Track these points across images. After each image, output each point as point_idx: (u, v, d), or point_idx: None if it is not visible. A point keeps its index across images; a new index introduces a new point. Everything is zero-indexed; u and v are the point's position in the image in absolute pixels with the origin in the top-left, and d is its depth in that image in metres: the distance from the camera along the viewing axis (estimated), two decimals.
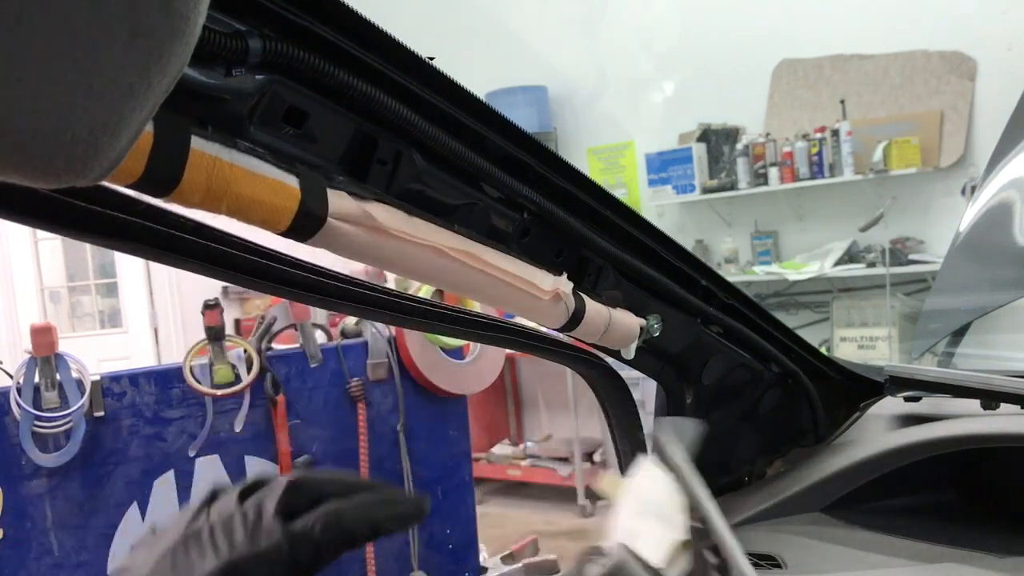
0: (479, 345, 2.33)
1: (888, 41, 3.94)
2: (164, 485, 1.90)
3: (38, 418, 1.73)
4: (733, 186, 4.29)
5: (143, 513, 1.88)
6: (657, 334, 0.80)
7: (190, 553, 0.44)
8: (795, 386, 0.93)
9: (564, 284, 0.71)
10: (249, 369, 1.96)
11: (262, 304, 4.22)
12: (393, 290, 0.70)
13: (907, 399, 0.87)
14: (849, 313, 4.12)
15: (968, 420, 0.82)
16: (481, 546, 2.44)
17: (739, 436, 0.90)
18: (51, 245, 4.88)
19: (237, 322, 2.52)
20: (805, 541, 0.78)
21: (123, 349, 4.77)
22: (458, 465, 2.33)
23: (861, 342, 4.06)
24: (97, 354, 4.25)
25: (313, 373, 2.08)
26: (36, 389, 1.74)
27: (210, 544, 0.44)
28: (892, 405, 0.89)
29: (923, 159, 3.84)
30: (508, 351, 2.90)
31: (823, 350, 0.95)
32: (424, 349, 2.20)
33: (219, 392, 1.92)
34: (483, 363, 2.38)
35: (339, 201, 0.52)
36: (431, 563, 2.26)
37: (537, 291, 0.68)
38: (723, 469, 0.89)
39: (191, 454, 1.93)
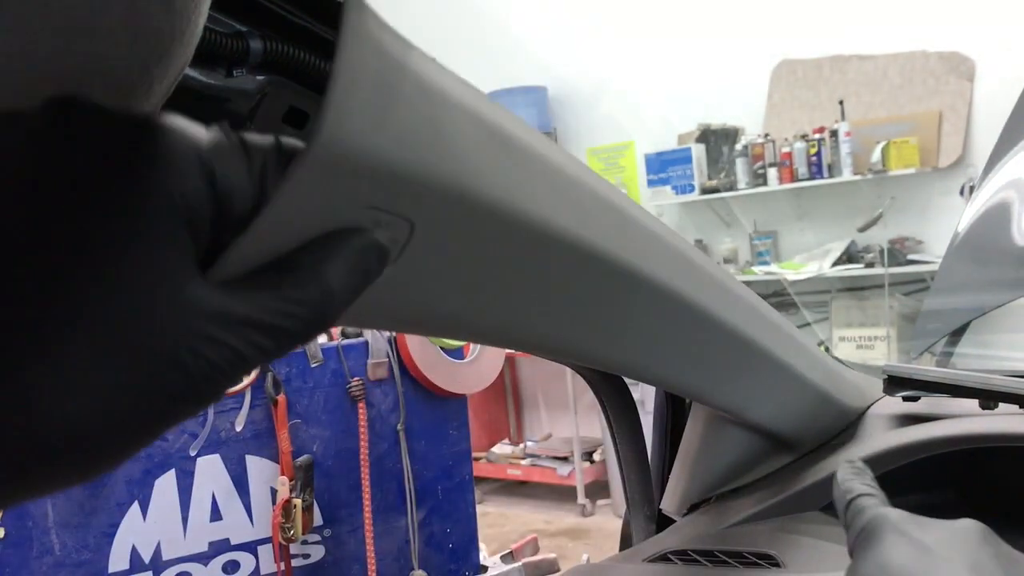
0: (479, 345, 2.33)
1: (887, 41, 3.95)
2: (165, 484, 1.91)
3: None
4: (732, 186, 4.29)
5: (144, 512, 1.88)
6: None
7: None
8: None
9: None
10: None
11: None
12: None
13: (905, 399, 0.87)
14: (848, 313, 4.13)
15: (966, 420, 0.82)
16: (481, 545, 2.45)
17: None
18: None
19: None
20: (804, 540, 0.78)
21: None
22: (458, 464, 2.33)
23: (860, 342, 4.07)
24: None
25: (314, 373, 2.08)
26: None
27: None
28: (891, 405, 0.90)
29: (922, 159, 3.84)
30: (508, 350, 2.91)
31: (822, 350, 0.95)
32: (424, 349, 2.20)
33: None
34: (483, 363, 2.39)
35: None
36: (431, 562, 2.26)
37: None
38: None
39: (192, 453, 1.93)
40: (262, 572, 2.02)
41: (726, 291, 0.63)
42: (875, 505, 0.46)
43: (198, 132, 0.25)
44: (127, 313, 0.23)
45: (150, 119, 0.25)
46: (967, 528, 0.43)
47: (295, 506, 1.97)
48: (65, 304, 0.22)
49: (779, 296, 4.28)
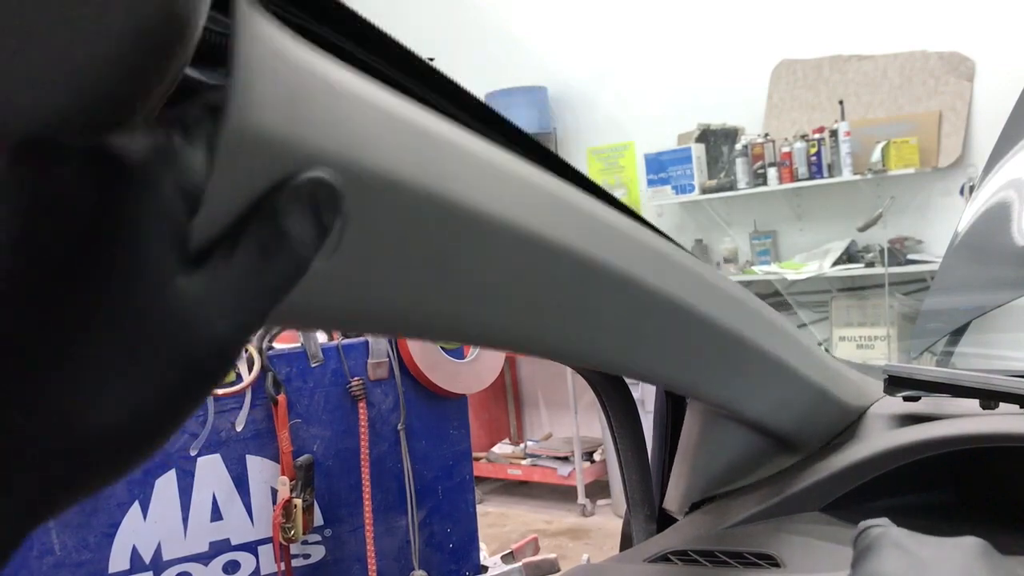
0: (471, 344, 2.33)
1: (887, 41, 3.95)
2: (165, 484, 1.91)
3: None
4: (732, 186, 4.29)
5: (144, 512, 1.88)
6: None
7: None
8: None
9: None
10: (250, 368, 1.96)
11: None
12: None
13: (906, 399, 0.87)
14: (848, 313, 4.13)
15: (966, 420, 0.82)
16: (481, 545, 2.45)
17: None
18: None
19: None
20: (804, 540, 0.78)
21: None
22: (458, 464, 2.33)
23: (860, 342, 4.06)
24: None
25: (314, 372, 2.08)
26: None
27: None
28: (891, 405, 0.90)
29: (921, 159, 3.84)
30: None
31: (822, 350, 0.95)
32: (424, 348, 2.20)
33: (220, 391, 1.93)
34: (483, 362, 2.39)
35: None
36: (431, 562, 2.26)
37: None
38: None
39: (192, 453, 1.93)
40: (262, 572, 2.02)
41: (703, 283, 0.62)
42: (881, 528, 0.48)
43: (160, 140, 0.27)
44: (128, 317, 0.25)
45: (115, 150, 0.26)
46: (966, 544, 0.43)
47: (295, 506, 1.97)
48: (72, 319, 0.24)
49: (779, 296, 4.28)
